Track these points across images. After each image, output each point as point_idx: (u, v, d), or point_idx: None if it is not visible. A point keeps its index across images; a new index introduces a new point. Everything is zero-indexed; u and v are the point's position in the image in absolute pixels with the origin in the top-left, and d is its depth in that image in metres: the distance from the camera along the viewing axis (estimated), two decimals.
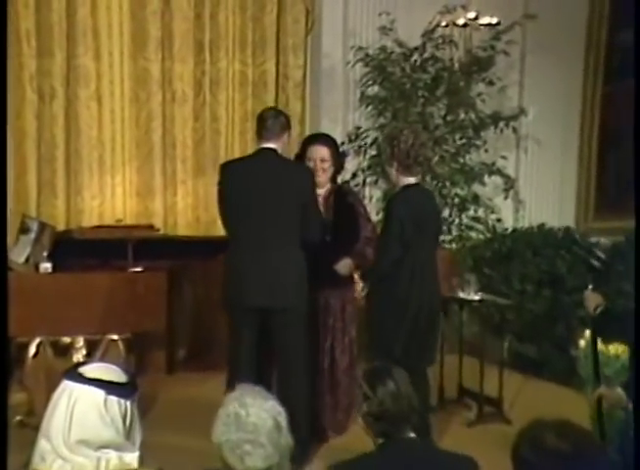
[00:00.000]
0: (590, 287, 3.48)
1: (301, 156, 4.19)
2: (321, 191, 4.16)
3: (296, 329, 3.77)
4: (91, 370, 2.01)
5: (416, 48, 5.82)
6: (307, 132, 6.04)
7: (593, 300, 3.41)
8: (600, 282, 4.03)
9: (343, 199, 4.20)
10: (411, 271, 3.73)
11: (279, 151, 3.80)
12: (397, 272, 3.74)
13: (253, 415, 1.92)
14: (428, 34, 5.77)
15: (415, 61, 5.85)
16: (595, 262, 5.27)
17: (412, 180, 3.79)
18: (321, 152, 4.12)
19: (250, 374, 3.67)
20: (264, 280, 3.73)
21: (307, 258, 3.81)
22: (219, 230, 6.02)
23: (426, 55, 5.83)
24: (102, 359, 4.06)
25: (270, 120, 3.84)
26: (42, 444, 1.94)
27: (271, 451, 1.92)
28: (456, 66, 5.86)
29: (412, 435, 2.30)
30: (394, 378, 2.33)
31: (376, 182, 6.05)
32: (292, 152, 4.32)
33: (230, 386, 3.24)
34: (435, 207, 3.95)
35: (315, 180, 3.92)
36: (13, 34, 5.23)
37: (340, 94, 6.13)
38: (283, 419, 1.96)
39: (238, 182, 3.79)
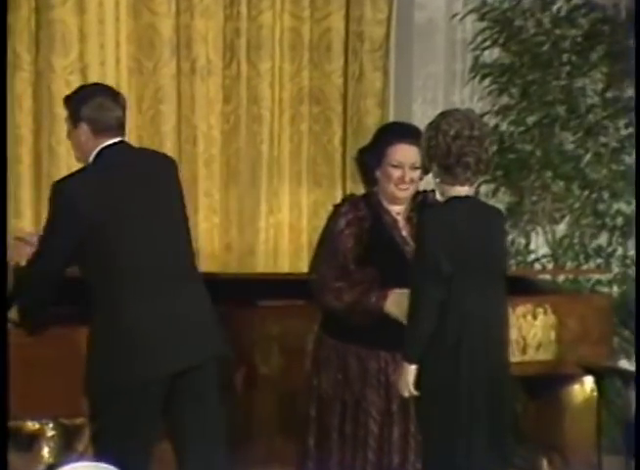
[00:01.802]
0: None
1: (376, 155, 4.21)
2: (399, 209, 4.22)
3: (214, 396, 3.98)
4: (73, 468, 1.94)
5: None
6: (392, 118, 6.10)
7: None
8: None
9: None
10: (457, 335, 3.76)
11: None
12: (438, 332, 3.78)
13: None
14: None
15: (558, 9, 5.93)
16: None
17: (461, 191, 3.82)
18: (412, 154, 4.14)
19: None
20: (176, 333, 3.87)
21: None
22: (260, 262, 5.89)
23: (576, 0, 5.87)
24: (84, 455, 4.06)
25: (114, 101, 3.98)
26: None
27: None
28: (623, 14, 5.88)
29: None
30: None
31: (495, 193, 6.13)
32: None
33: None
34: (496, 231, 3.96)
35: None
36: None
37: (440, 62, 6.20)
38: None
39: (94, 208, 3.86)
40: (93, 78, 5.56)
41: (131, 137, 5.55)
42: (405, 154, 4.16)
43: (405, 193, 4.19)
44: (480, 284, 3.81)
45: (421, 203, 4.26)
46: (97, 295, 3.92)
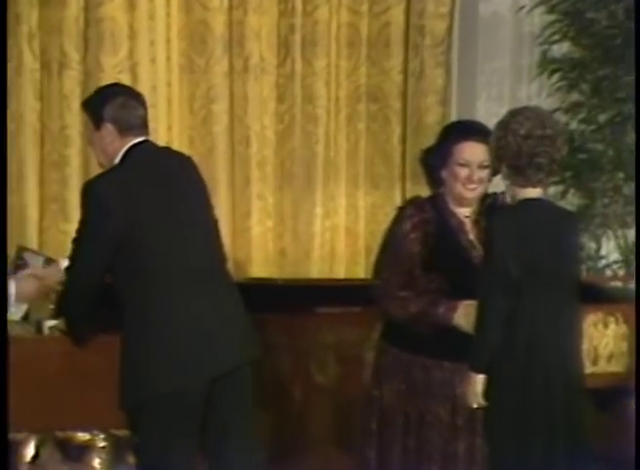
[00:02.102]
0: None
1: (442, 154, 4.23)
2: (466, 211, 4.24)
3: (248, 396, 4.14)
4: None
5: None
6: (454, 116, 6.10)
7: None
8: None
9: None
10: (527, 348, 3.79)
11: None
12: (507, 341, 3.80)
13: None
14: None
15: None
16: None
17: (532, 193, 3.83)
18: (480, 153, 4.15)
19: None
20: (211, 339, 4.00)
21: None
22: (315, 268, 5.95)
23: None
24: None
25: (134, 100, 4.08)
26: None
27: None
28: None
29: None
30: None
31: (564, 194, 6.10)
32: None
33: None
34: (569, 235, 3.96)
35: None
36: None
37: (506, 57, 6.19)
38: None
39: (127, 210, 3.95)
40: (143, 77, 5.69)
41: (182, 138, 5.80)
42: (473, 152, 4.16)
43: (473, 193, 4.18)
44: (551, 291, 3.82)
45: (490, 205, 4.25)
46: (127, 300, 3.99)
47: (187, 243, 3.99)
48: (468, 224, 4.23)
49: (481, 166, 4.14)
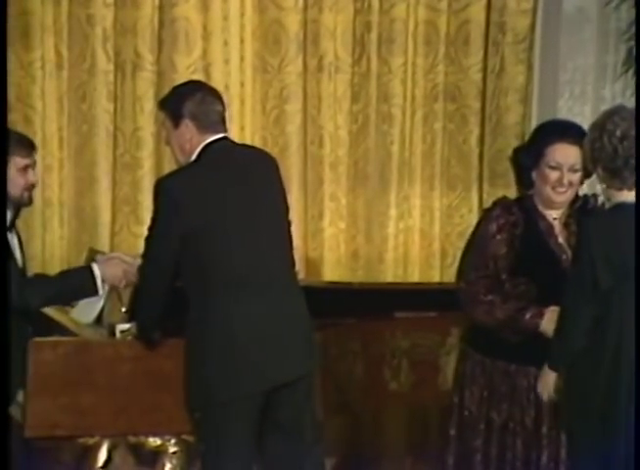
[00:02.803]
0: None
1: (534, 156, 4.25)
2: (556, 214, 4.26)
3: (305, 405, 4.17)
4: None
5: None
6: (535, 116, 6.12)
7: None
8: None
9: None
10: (615, 351, 3.78)
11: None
12: (594, 347, 3.80)
13: None
14: None
15: None
16: None
17: (629, 196, 3.82)
18: (573, 155, 4.16)
19: None
20: (272, 347, 4.03)
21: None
22: (388, 271, 6.02)
23: None
24: None
25: (211, 97, 4.13)
26: None
27: None
28: None
29: None
30: None
31: None
32: None
33: None
34: None
35: None
36: None
37: (591, 53, 6.17)
38: None
39: (195, 208, 4.01)
40: (217, 77, 5.73)
41: (254, 138, 5.84)
42: (565, 154, 4.15)
43: (563, 197, 4.18)
44: None
45: (580, 208, 4.26)
46: (191, 300, 4.05)
47: (255, 245, 4.03)
48: (557, 227, 4.24)
49: (573, 170, 4.14)
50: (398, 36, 6.00)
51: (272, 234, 4.13)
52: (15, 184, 4.24)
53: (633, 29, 5.93)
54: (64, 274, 4.44)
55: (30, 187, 4.33)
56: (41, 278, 4.44)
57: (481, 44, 6.10)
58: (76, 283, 4.32)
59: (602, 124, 3.82)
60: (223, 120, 4.10)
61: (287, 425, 4.19)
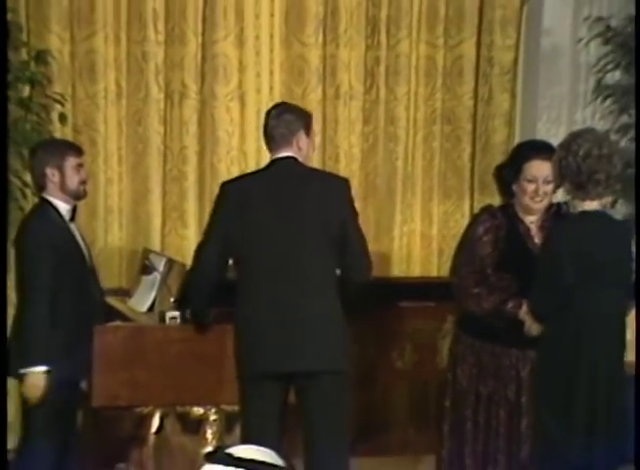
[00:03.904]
0: None
1: (514, 171, 4.30)
2: (533, 218, 4.31)
3: (332, 401, 4.02)
4: (240, 450, 2.15)
5: None
6: (517, 136, 6.09)
7: None
8: None
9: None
10: (577, 334, 3.79)
11: (300, 158, 4.08)
12: (557, 335, 3.82)
13: None
14: None
15: None
16: None
17: (591, 205, 3.84)
18: (546, 169, 4.18)
19: None
20: (291, 336, 3.99)
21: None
22: (394, 267, 6.00)
23: None
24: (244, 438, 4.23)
25: (273, 122, 4.13)
26: None
27: None
28: None
29: None
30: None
31: (613, 204, 5.93)
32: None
33: None
34: (622, 243, 3.96)
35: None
36: (135, 18, 5.54)
37: (565, 84, 6.15)
38: None
39: (238, 209, 4.03)
40: (250, 104, 5.74)
41: None
42: (539, 169, 4.21)
43: (539, 205, 4.25)
44: (603, 291, 3.82)
45: (555, 214, 4.31)
46: (236, 287, 4.13)
47: (289, 248, 4.04)
48: (534, 229, 4.30)
49: (546, 181, 4.19)
50: (403, 69, 5.97)
51: (308, 243, 4.08)
52: (72, 180, 4.36)
53: (601, 63, 5.96)
54: None
55: (84, 182, 4.44)
56: None
57: (473, 76, 6.07)
58: None
59: (567, 145, 3.86)
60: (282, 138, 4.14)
61: (314, 418, 4.12)
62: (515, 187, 4.29)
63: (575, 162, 3.80)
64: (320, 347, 4.05)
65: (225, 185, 4.21)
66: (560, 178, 3.90)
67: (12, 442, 4.67)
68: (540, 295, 3.93)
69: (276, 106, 4.42)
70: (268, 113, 4.26)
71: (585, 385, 3.82)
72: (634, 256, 4.05)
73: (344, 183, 4.23)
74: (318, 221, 4.08)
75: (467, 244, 4.37)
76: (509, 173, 4.33)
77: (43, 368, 4.18)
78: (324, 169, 4.25)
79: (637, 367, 3.36)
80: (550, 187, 4.22)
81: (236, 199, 4.10)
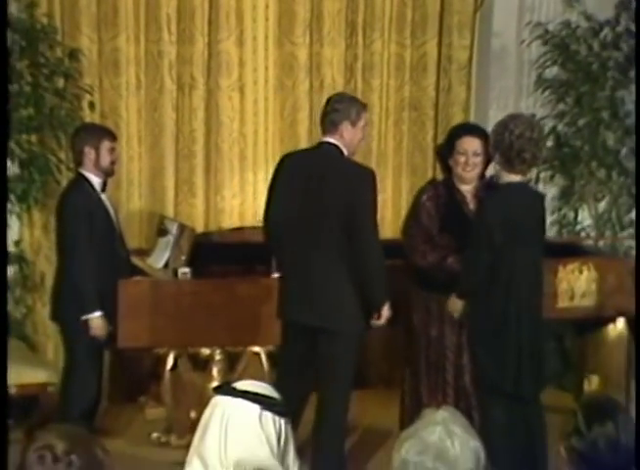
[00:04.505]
0: None
1: (449, 148, 4.34)
2: (467, 188, 4.35)
3: (338, 356, 3.94)
4: (243, 385, 2.17)
5: (608, 21, 5.83)
6: (472, 121, 6.04)
7: None
8: None
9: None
10: (506, 286, 3.83)
11: (341, 145, 3.97)
12: (491, 287, 3.84)
13: (458, 449, 1.92)
14: (624, 4, 5.76)
15: (605, 36, 5.85)
16: None
17: (515, 178, 3.86)
18: (474, 144, 4.26)
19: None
20: (304, 294, 3.94)
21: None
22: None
23: (619, 29, 5.83)
24: (244, 374, 4.33)
25: (329, 107, 4.04)
26: (195, 466, 2.08)
27: None
28: None
29: None
30: (617, 421, 2.20)
31: (552, 178, 6.10)
32: None
33: None
34: (538, 210, 3.99)
35: (374, 183, 3.99)
36: (152, 21, 5.51)
37: (511, 78, 6.18)
38: (481, 466, 1.95)
39: (287, 178, 3.99)
40: (249, 95, 5.71)
41: (274, 137, 5.78)
42: (469, 144, 4.26)
43: (470, 174, 4.28)
44: (524, 247, 3.85)
45: (486, 184, 4.34)
46: None
47: (308, 219, 3.96)
48: (469, 197, 4.35)
49: (475, 154, 4.24)
50: (376, 64, 5.94)
51: (324, 220, 3.96)
52: (105, 160, 4.39)
53: (541, 60, 5.97)
54: None
55: (113, 163, 4.46)
56: None
57: (435, 70, 6.04)
58: None
59: (505, 124, 3.87)
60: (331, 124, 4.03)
61: (321, 366, 4.06)
62: (450, 161, 4.33)
63: (510, 139, 3.79)
64: (328, 308, 3.98)
65: (283, 157, 4.20)
66: (493, 150, 3.91)
67: (51, 376, 4.64)
68: (475, 253, 3.92)
69: (335, 95, 4.34)
70: (328, 100, 4.17)
71: (513, 327, 3.85)
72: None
73: (367, 174, 4.03)
74: (335, 203, 3.95)
75: (414, 209, 4.41)
76: (445, 151, 4.38)
77: (99, 313, 4.24)
78: (348, 158, 4.07)
79: (637, 368, 3.28)
80: (479, 159, 4.24)
81: (285, 169, 4.06)
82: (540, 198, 4.12)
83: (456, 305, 4.10)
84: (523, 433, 3.95)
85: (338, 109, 4.03)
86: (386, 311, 4.03)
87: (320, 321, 3.99)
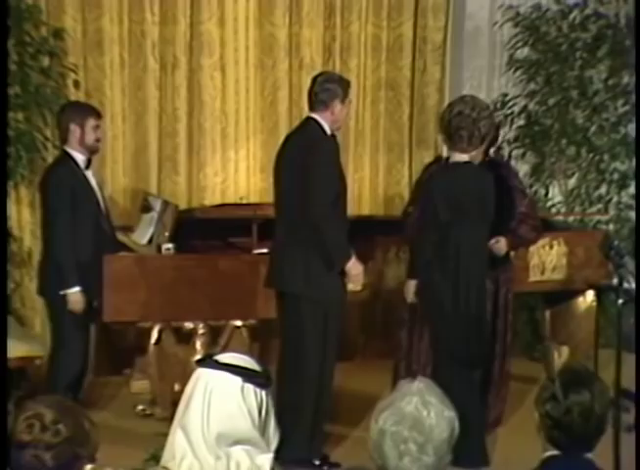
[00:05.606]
0: None
1: None
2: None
3: (295, 319, 3.93)
4: (225, 357, 2.14)
5: (576, 4, 5.87)
6: (446, 100, 5.99)
7: None
8: None
9: (496, 172, 4.24)
10: (455, 258, 3.84)
11: (328, 121, 3.96)
12: (438, 261, 3.85)
13: (434, 419, 1.91)
14: None
15: (574, 18, 5.89)
16: None
17: (461, 157, 3.85)
18: None
19: None
20: (275, 261, 4.00)
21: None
22: (348, 208, 6.06)
23: (587, 11, 5.88)
24: (226, 347, 4.28)
25: (318, 87, 4.01)
26: (178, 438, 2.05)
27: (431, 464, 1.91)
28: (622, 22, 5.84)
29: (589, 455, 2.19)
30: (593, 391, 2.19)
31: (523, 155, 6.10)
32: None
33: None
34: (483, 187, 3.96)
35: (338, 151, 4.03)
36: (135, 2, 5.41)
37: (484, 58, 6.19)
38: (455, 436, 1.95)
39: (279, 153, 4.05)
40: (230, 73, 5.64)
41: (256, 116, 5.72)
42: None
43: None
44: (471, 223, 3.87)
45: (489, 162, 4.33)
46: None
47: (283, 187, 4.02)
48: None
49: None
50: (354, 45, 5.91)
51: (289, 184, 3.99)
52: (89, 137, 4.32)
53: (512, 41, 5.99)
54: None
55: (98, 140, 4.37)
56: None
57: (410, 51, 6.03)
58: None
59: (451, 103, 3.94)
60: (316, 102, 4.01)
61: (287, 328, 4.08)
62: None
63: (449, 116, 3.83)
64: (294, 275, 3.97)
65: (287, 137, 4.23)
66: (439, 128, 3.98)
67: (38, 349, 4.59)
68: (423, 232, 3.93)
69: (322, 74, 4.27)
70: (314, 79, 4.10)
71: (463, 298, 3.88)
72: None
73: (327, 140, 4.02)
74: (298, 167, 3.96)
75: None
76: None
77: (78, 288, 4.17)
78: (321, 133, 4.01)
79: (637, 367, 3.26)
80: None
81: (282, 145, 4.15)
82: (486, 177, 4.05)
83: (410, 287, 4.08)
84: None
85: (329, 88, 4.01)
86: (353, 270, 3.92)
87: (283, 286, 4.03)
